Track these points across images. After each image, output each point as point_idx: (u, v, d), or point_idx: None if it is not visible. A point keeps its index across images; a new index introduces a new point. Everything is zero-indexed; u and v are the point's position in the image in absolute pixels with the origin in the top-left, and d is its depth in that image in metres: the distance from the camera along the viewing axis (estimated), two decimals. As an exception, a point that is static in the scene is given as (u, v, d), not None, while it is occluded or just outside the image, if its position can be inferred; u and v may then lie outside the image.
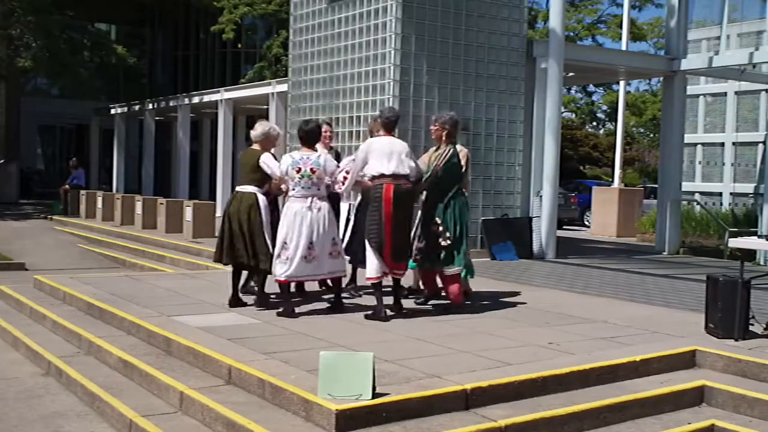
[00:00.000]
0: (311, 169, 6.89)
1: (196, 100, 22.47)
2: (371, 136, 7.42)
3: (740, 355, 5.72)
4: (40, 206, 23.97)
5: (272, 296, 7.70)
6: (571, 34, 31.83)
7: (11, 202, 25.40)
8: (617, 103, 23.53)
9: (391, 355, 5.47)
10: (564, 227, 20.97)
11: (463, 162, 7.52)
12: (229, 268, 7.59)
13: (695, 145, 19.80)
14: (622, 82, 21.49)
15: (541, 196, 12.70)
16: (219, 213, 12.30)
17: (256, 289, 7.61)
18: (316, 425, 4.40)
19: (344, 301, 7.51)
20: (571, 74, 15.39)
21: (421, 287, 7.92)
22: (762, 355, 5.69)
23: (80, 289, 8.29)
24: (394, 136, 7.18)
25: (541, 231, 12.56)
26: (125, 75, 33.62)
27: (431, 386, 4.75)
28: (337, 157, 8.09)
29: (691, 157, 19.72)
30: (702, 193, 19.57)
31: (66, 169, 25.47)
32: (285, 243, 6.86)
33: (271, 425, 4.42)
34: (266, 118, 17.80)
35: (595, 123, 42.69)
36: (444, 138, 7.33)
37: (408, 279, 7.96)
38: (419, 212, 7.46)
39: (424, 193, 7.39)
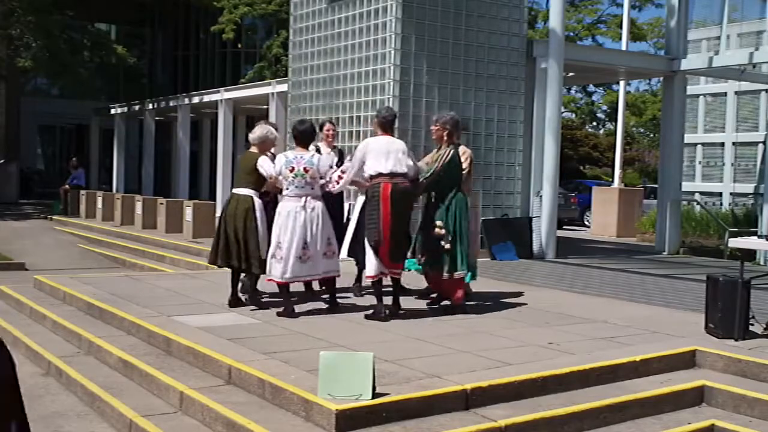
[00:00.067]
0: (304, 169, 6.88)
1: (196, 100, 22.46)
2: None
3: (740, 355, 5.72)
4: (40, 206, 23.97)
5: (265, 295, 7.71)
6: (571, 34, 31.82)
7: (11, 202, 25.39)
8: (617, 103, 23.53)
9: (391, 355, 5.46)
10: (564, 227, 20.97)
11: (466, 163, 7.50)
12: (229, 269, 7.60)
13: (695, 145, 19.80)
14: (622, 82, 21.50)
15: (541, 196, 12.70)
16: (219, 213, 12.32)
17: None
18: (316, 425, 4.40)
19: (349, 301, 7.51)
20: (571, 74, 15.39)
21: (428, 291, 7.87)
22: (762, 355, 5.69)
23: (80, 289, 8.29)
24: (391, 135, 7.17)
25: (541, 231, 12.56)
26: (125, 75, 33.61)
27: (431, 386, 4.75)
28: (341, 156, 8.07)
29: (691, 157, 19.72)
30: (702, 193, 19.57)
31: (66, 169, 25.47)
32: (279, 243, 6.87)
33: (271, 425, 4.42)
34: (266, 117, 17.82)
35: (595, 123, 42.69)
36: (445, 138, 7.27)
37: (416, 280, 7.97)
38: (420, 214, 7.45)
39: (420, 198, 7.39)
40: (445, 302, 7.53)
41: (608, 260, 12.93)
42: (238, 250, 7.23)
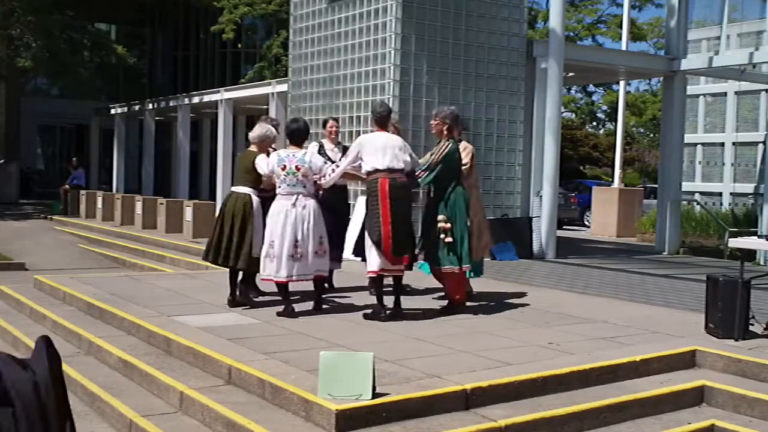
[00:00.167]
0: (296, 167, 6.88)
1: (196, 100, 22.46)
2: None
3: (740, 355, 5.72)
4: (40, 206, 23.97)
5: (264, 295, 7.73)
6: (571, 34, 31.82)
7: (11, 202, 25.39)
8: (617, 103, 23.54)
9: (391, 355, 5.46)
10: (564, 227, 20.97)
11: (467, 158, 7.49)
12: (226, 268, 7.64)
13: (695, 145, 19.81)
14: (622, 82, 21.50)
15: (541, 196, 12.70)
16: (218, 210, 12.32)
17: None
18: (316, 425, 4.40)
19: (348, 301, 7.50)
20: (571, 74, 15.39)
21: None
22: (762, 355, 5.69)
23: (80, 289, 8.29)
24: (387, 131, 7.16)
25: (541, 231, 12.56)
26: (125, 75, 33.61)
27: (431, 386, 4.75)
28: (345, 153, 8.06)
29: (691, 157, 19.73)
30: (702, 193, 19.58)
31: (66, 169, 25.47)
32: (272, 241, 6.88)
33: (271, 425, 4.42)
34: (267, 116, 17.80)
35: (595, 123, 42.69)
36: (445, 132, 7.20)
37: (417, 281, 7.96)
38: (421, 210, 7.43)
39: (421, 194, 7.36)
40: (441, 301, 7.52)
41: (608, 260, 12.93)
42: (229, 245, 7.27)
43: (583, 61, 14.38)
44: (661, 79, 16.07)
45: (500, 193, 12.87)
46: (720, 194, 19.52)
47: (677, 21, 14.59)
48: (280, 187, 6.93)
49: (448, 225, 6.98)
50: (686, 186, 17.28)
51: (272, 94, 17.67)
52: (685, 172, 16.80)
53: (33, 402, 1.61)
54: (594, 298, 8.67)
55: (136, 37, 36.38)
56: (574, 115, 39.66)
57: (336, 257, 8.12)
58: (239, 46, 33.19)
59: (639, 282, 10.11)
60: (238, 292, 7.52)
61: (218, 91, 21.12)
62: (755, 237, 8.61)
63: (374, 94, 12.15)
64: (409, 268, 7.11)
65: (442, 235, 6.97)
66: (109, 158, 28.50)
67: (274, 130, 7.65)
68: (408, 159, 6.97)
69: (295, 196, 6.87)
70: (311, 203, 6.93)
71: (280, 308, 7.00)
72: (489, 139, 12.70)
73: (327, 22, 13.36)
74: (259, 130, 7.51)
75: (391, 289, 7.12)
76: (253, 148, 7.50)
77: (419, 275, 7.73)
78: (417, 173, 7.06)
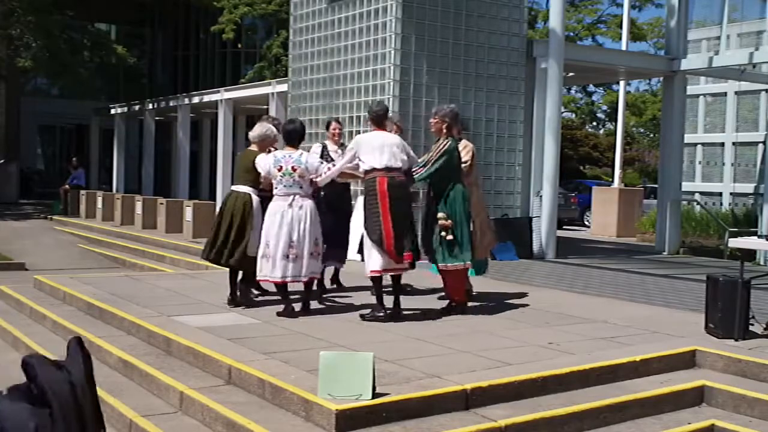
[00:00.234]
0: (292, 167, 6.89)
1: (196, 100, 22.47)
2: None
3: (740, 355, 5.72)
4: (40, 206, 23.97)
5: (263, 295, 7.73)
6: (571, 34, 31.82)
7: (11, 202, 25.39)
8: (617, 103, 23.54)
9: (391, 355, 5.46)
10: (564, 227, 20.97)
11: (467, 156, 7.47)
12: (225, 267, 7.65)
13: (695, 145, 19.81)
14: (622, 82, 21.50)
15: (541, 196, 12.70)
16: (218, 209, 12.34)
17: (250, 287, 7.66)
18: (316, 425, 4.40)
19: (347, 301, 7.49)
20: (571, 74, 15.40)
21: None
22: (762, 355, 5.69)
23: (80, 289, 8.29)
24: (385, 130, 7.16)
25: (541, 231, 12.56)
26: (125, 75, 33.61)
27: (431, 386, 4.75)
28: None
29: (691, 157, 19.73)
30: (702, 193, 19.58)
31: (66, 169, 25.47)
32: (267, 242, 6.89)
33: (271, 425, 4.42)
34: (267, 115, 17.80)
35: (595, 123, 42.69)
36: (444, 131, 7.15)
37: (417, 281, 7.96)
38: (421, 210, 7.41)
39: (421, 194, 7.35)
40: (445, 302, 7.51)
41: (608, 260, 12.93)
42: (225, 243, 7.31)
43: (583, 61, 14.38)
44: (661, 79, 16.07)
45: (500, 193, 12.88)
46: (720, 194, 19.52)
47: (677, 21, 14.59)
48: (276, 188, 6.95)
49: (449, 222, 6.93)
50: (686, 186, 17.28)
51: (272, 94, 17.67)
52: (685, 172, 16.81)
53: (70, 403, 1.60)
54: (594, 298, 8.67)
55: (136, 37, 36.39)
56: (574, 115, 39.66)
57: (340, 257, 8.12)
58: (239, 46, 33.19)
59: (639, 282, 10.11)
60: (238, 292, 7.53)
61: (218, 91, 21.13)
62: (755, 237, 8.60)
63: (374, 94, 12.16)
64: (412, 266, 7.09)
65: (443, 233, 6.95)
66: (109, 158, 28.51)
67: (274, 129, 7.65)
68: (405, 158, 6.97)
69: (291, 197, 6.88)
70: (308, 204, 6.93)
71: (280, 308, 7.00)
72: (489, 139, 12.71)
73: (327, 22, 13.37)
74: (260, 129, 7.53)
75: (390, 289, 7.12)
76: (253, 147, 7.51)
77: (420, 275, 7.72)
78: (414, 170, 7.04)
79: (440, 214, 6.97)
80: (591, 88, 37.05)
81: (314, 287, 7.34)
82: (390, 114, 7.66)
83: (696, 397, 5.39)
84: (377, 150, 6.83)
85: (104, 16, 33.11)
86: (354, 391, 4.46)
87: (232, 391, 5.08)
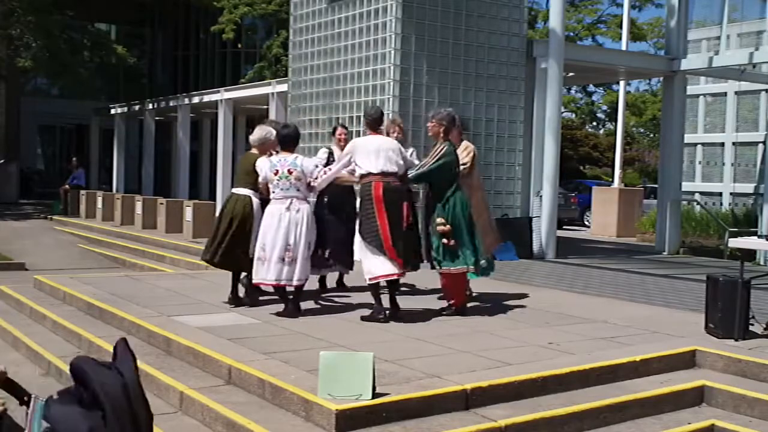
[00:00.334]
0: (288, 170, 6.91)
1: (196, 100, 22.46)
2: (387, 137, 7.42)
3: (740, 355, 5.72)
4: (40, 206, 23.97)
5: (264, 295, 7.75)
6: (571, 34, 31.82)
7: (11, 202, 25.39)
8: (617, 103, 23.54)
9: (391, 355, 5.46)
10: (564, 227, 20.97)
11: (467, 158, 7.46)
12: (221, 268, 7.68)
13: (695, 145, 19.81)
14: (622, 82, 21.51)
15: (541, 196, 12.70)
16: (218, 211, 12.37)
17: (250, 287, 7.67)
18: (316, 425, 4.40)
19: (346, 300, 7.48)
20: (571, 74, 15.40)
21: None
22: (762, 355, 5.69)
23: (80, 289, 8.29)
24: (381, 134, 7.16)
25: (541, 231, 12.56)
26: (125, 75, 33.61)
27: (431, 386, 4.75)
28: None
29: (691, 157, 19.73)
30: (702, 193, 19.58)
31: (66, 169, 25.46)
32: (263, 245, 6.90)
33: (271, 425, 4.42)
34: (267, 117, 17.81)
35: (595, 123, 42.69)
36: (441, 135, 7.13)
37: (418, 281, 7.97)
38: (420, 210, 7.40)
39: (420, 197, 7.34)
40: (441, 302, 7.51)
41: (608, 260, 12.93)
42: (220, 244, 7.33)
43: (583, 61, 14.38)
44: (661, 79, 16.07)
45: (500, 193, 12.88)
46: (720, 194, 19.51)
47: (677, 21, 14.59)
48: (274, 191, 6.97)
49: (447, 228, 6.89)
50: (686, 186, 17.28)
51: (272, 94, 17.67)
52: (685, 172, 16.81)
53: (123, 404, 1.59)
54: (594, 298, 8.67)
55: (136, 37, 36.38)
56: (574, 115, 39.66)
57: (347, 263, 8.11)
58: (239, 46, 33.19)
59: (639, 282, 10.11)
60: (244, 292, 7.54)
61: (218, 91, 21.13)
62: (755, 237, 8.61)
63: (374, 94, 12.16)
64: (416, 268, 7.10)
65: (445, 240, 6.93)
66: (109, 158, 28.50)
67: (274, 132, 7.66)
68: (401, 162, 6.96)
69: (289, 200, 6.89)
70: (305, 208, 6.96)
71: (280, 308, 7.00)
72: (489, 139, 12.71)
73: (327, 22, 13.37)
74: (260, 132, 7.58)
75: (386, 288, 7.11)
76: (254, 150, 7.55)
77: (422, 275, 7.71)
78: (410, 173, 7.03)
79: (438, 219, 6.94)
80: (591, 88, 37.06)
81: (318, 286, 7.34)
82: (392, 116, 7.67)
83: (696, 397, 5.39)
84: (373, 154, 6.83)
85: (104, 16, 33.11)
86: (354, 391, 4.46)
87: (232, 391, 5.08)
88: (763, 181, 15.92)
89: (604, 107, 38.98)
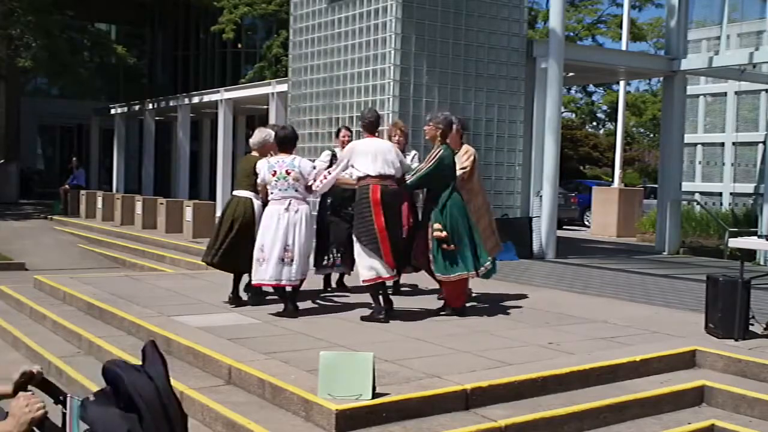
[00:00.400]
0: (286, 171, 6.93)
1: (196, 100, 22.47)
2: (389, 140, 7.43)
3: (740, 355, 5.72)
4: (40, 206, 23.96)
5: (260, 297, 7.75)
6: (571, 34, 31.83)
7: (11, 202, 25.38)
8: (617, 103, 23.54)
9: (391, 355, 5.46)
10: (564, 227, 20.97)
11: (467, 162, 7.46)
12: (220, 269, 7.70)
13: (695, 145, 19.81)
14: (622, 82, 21.50)
15: (541, 196, 12.70)
16: (219, 213, 12.39)
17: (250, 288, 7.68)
18: (316, 425, 4.40)
19: (345, 300, 7.48)
20: (571, 74, 15.39)
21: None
22: (762, 355, 5.69)
23: (80, 289, 8.29)
24: (377, 136, 7.17)
25: (541, 231, 12.56)
26: (125, 75, 33.61)
27: (431, 386, 4.75)
28: None
29: (691, 157, 19.73)
30: (702, 193, 19.58)
31: (67, 168, 25.47)
32: (262, 245, 6.90)
33: (271, 425, 4.42)
34: (266, 118, 17.83)
35: (595, 123, 42.70)
36: (438, 138, 7.10)
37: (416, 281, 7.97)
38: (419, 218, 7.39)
39: (420, 197, 7.34)
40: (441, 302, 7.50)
41: (608, 260, 12.93)
42: (221, 246, 7.35)
43: (583, 61, 14.38)
44: (661, 79, 16.07)
45: (500, 193, 12.87)
46: (720, 194, 19.52)
47: (677, 21, 14.59)
48: (272, 192, 6.99)
49: (443, 234, 6.86)
50: (686, 186, 17.28)
51: (272, 94, 17.67)
52: (685, 172, 16.81)
53: (158, 407, 1.59)
54: (594, 298, 8.67)
55: (136, 37, 36.38)
56: (574, 115, 39.67)
57: (349, 264, 8.10)
58: (239, 46, 33.20)
59: (639, 282, 10.11)
60: (249, 294, 7.54)
61: (218, 91, 21.13)
62: (755, 237, 8.62)
63: (374, 94, 12.16)
64: (416, 269, 7.10)
65: (444, 245, 6.91)
66: (109, 158, 28.51)
67: (273, 134, 7.68)
68: (399, 165, 6.96)
69: (288, 201, 6.91)
70: (304, 208, 6.97)
71: (280, 308, 7.01)
72: (489, 139, 12.71)
73: (327, 22, 13.37)
74: (259, 135, 7.65)
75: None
76: (254, 153, 7.59)
77: (422, 275, 7.71)
78: (406, 178, 7.03)
79: (436, 225, 6.91)
80: (591, 88, 37.07)
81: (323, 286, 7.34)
82: (394, 119, 7.67)
83: (696, 397, 5.39)
84: (370, 157, 6.84)
85: (104, 16, 33.11)
86: (354, 391, 4.46)
87: (232, 391, 5.08)
88: (763, 181, 15.93)
89: (604, 107, 39.00)
